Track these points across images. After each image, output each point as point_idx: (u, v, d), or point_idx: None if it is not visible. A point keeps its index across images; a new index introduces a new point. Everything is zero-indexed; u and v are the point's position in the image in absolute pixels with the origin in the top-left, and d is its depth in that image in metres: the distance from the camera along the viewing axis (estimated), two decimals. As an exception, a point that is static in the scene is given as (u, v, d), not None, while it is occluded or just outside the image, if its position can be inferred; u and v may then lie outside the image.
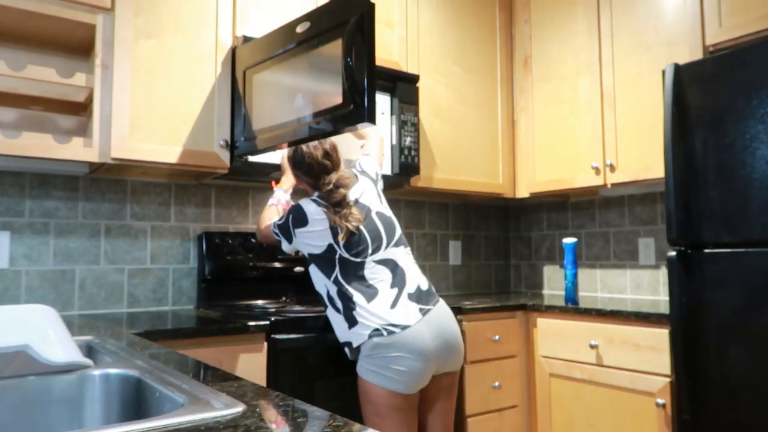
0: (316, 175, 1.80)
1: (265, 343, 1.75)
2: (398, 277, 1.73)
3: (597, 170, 2.54)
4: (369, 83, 1.53)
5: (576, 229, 3.03)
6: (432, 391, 1.75)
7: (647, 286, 2.70)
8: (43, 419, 0.99)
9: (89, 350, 1.29)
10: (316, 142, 1.79)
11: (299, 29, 1.76)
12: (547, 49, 2.82)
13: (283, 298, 2.37)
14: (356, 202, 1.80)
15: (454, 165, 2.70)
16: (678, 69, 1.94)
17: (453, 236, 3.11)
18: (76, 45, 2.00)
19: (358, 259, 1.72)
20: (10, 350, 0.97)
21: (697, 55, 2.19)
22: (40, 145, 1.73)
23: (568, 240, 2.66)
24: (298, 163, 1.82)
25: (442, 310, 1.75)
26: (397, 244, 1.80)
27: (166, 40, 1.96)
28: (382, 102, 2.38)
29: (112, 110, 1.84)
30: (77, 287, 2.05)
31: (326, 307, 1.76)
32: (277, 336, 1.75)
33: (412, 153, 2.40)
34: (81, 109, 2.05)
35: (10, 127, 1.93)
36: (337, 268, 1.72)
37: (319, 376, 1.81)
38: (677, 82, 1.93)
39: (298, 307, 2.08)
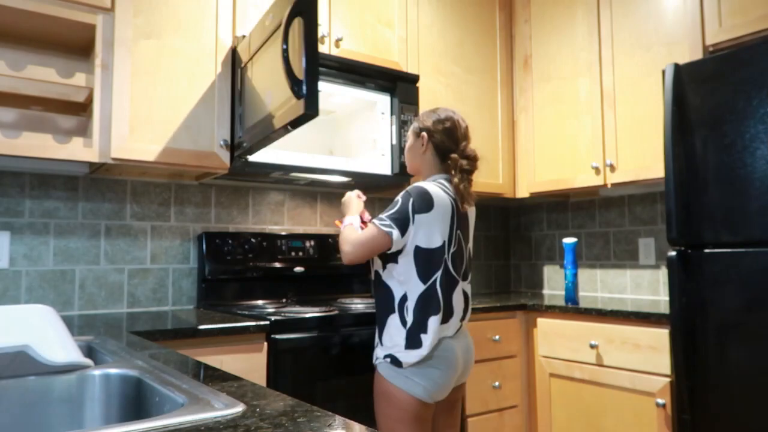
0: (457, 140, 1.71)
1: (265, 343, 1.75)
2: (466, 313, 1.73)
3: (597, 170, 2.54)
4: (309, 70, 1.42)
5: (576, 229, 3.03)
6: (446, 402, 1.74)
7: (647, 286, 2.70)
8: (43, 419, 0.99)
9: (89, 350, 1.29)
10: (458, 114, 1.75)
11: (267, 22, 1.74)
12: (547, 50, 2.82)
13: (284, 300, 2.37)
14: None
15: (454, 165, 2.70)
16: (678, 69, 1.94)
17: (453, 236, 3.11)
18: (76, 45, 2.00)
19: (456, 277, 1.67)
20: (10, 350, 0.97)
21: (697, 55, 2.19)
22: (40, 145, 1.73)
23: (568, 240, 2.66)
24: (440, 121, 1.71)
25: (466, 330, 1.78)
26: (469, 280, 1.78)
27: (166, 40, 1.96)
28: (382, 102, 2.38)
29: (112, 110, 1.84)
30: (77, 287, 2.05)
31: (388, 312, 1.64)
32: (277, 336, 1.75)
33: (412, 153, 2.39)
34: (81, 109, 2.05)
35: (10, 127, 1.93)
36: (441, 271, 1.61)
37: (319, 376, 1.81)
38: (677, 82, 1.93)
39: (298, 307, 2.08)
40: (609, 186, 2.52)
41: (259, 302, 2.29)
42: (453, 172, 1.69)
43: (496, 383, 2.32)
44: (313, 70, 1.45)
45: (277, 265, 2.35)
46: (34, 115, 1.98)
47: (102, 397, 1.02)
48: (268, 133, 1.70)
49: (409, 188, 1.64)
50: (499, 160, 2.89)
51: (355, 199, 1.93)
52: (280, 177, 2.22)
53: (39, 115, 1.98)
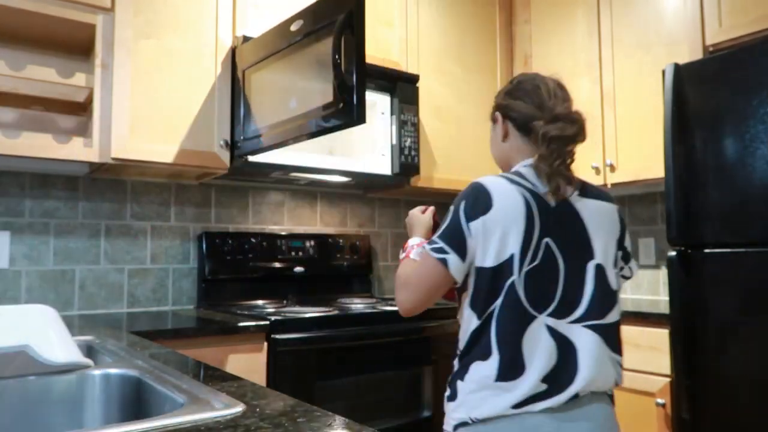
0: (541, 100, 1.19)
1: (265, 343, 1.75)
2: (566, 372, 1.08)
3: (597, 170, 2.54)
4: (358, 81, 1.51)
5: (576, 229, 3.02)
6: None
7: (647, 286, 2.70)
8: (43, 419, 0.99)
9: (89, 350, 1.29)
10: (567, 94, 1.22)
11: (293, 28, 1.76)
12: (547, 50, 2.82)
13: (284, 300, 2.37)
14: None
15: (454, 165, 2.70)
16: (678, 69, 1.94)
17: (453, 236, 3.11)
18: (76, 45, 2.00)
19: (531, 310, 1.08)
20: (10, 350, 0.97)
21: (697, 55, 2.19)
22: (40, 145, 1.73)
23: (568, 240, 2.66)
24: (516, 88, 1.24)
25: (602, 414, 1.15)
26: (605, 326, 1.13)
27: (166, 40, 1.96)
28: (382, 102, 2.38)
29: (112, 110, 1.84)
30: (77, 287, 2.05)
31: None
32: (277, 336, 1.75)
33: (412, 153, 2.39)
34: (81, 109, 2.05)
35: (10, 127, 1.93)
36: (500, 302, 1.08)
37: (319, 376, 1.81)
38: (677, 82, 1.93)
39: (298, 308, 2.08)
40: (609, 186, 2.51)
41: (259, 302, 2.29)
42: (534, 170, 1.16)
43: (496, 383, 2.31)
44: (363, 81, 1.51)
45: (277, 265, 2.35)
46: (34, 115, 1.98)
47: (102, 397, 1.02)
48: (295, 136, 1.73)
49: (463, 189, 1.19)
50: (499, 160, 2.89)
51: (419, 216, 1.43)
52: (280, 177, 2.22)
53: (39, 115, 1.98)
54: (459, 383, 1.12)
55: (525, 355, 1.07)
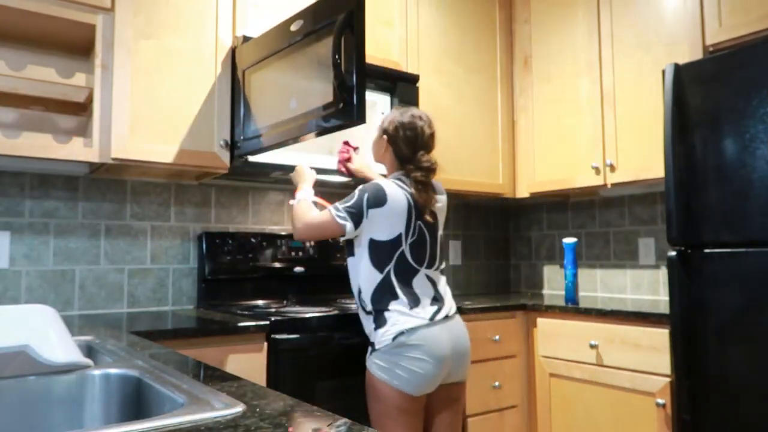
0: (415, 149, 1.75)
1: (265, 343, 1.75)
2: (439, 298, 1.75)
3: (597, 170, 2.54)
4: (358, 81, 1.51)
5: (576, 229, 3.03)
6: (440, 400, 1.75)
7: (647, 286, 2.70)
8: (43, 419, 0.99)
9: (89, 350, 1.29)
10: (426, 119, 1.78)
11: (293, 28, 1.76)
12: (547, 49, 2.82)
13: (284, 300, 2.37)
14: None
15: (454, 165, 2.70)
16: (678, 69, 1.94)
17: (453, 236, 3.11)
18: (76, 45, 2.00)
19: (415, 266, 1.72)
20: (10, 350, 0.97)
21: (697, 55, 2.19)
22: (40, 145, 1.73)
23: (568, 240, 2.66)
24: (401, 136, 1.76)
25: (460, 323, 1.78)
26: (442, 270, 1.83)
27: (166, 40, 1.96)
28: (382, 102, 2.38)
29: (112, 110, 1.84)
30: (77, 287, 2.05)
31: (357, 303, 1.77)
32: (277, 336, 1.75)
33: (412, 153, 2.39)
34: (81, 109, 2.05)
35: (10, 127, 1.93)
36: (393, 263, 1.69)
37: (319, 376, 1.81)
38: (677, 82, 1.93)
39: (298, 308, 2.08)
40: (609, 186, 2.52)
41: (259, 302, 2.29)
42: (409, 181, 1.75)
43: (496, 383, 2.32)
44: (363, 81, 1.52)
45: (277, 265, 2.35)
46: (34, 115, 1.98)
47: (102, 397, 1.02)
48: (295, 136, 1.73)
49: (366, 185, 1.73)
50: (499, 160, 2.89)
51: (307, 170, 1.96)
52: (280, 177, 2.22)
53: (39, 115, 1.98)
54: (386, 313, 1.66)
55: (418, 293, 1.71)
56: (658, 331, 2.00)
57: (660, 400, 1.96)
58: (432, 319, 1.68)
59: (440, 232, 1.85)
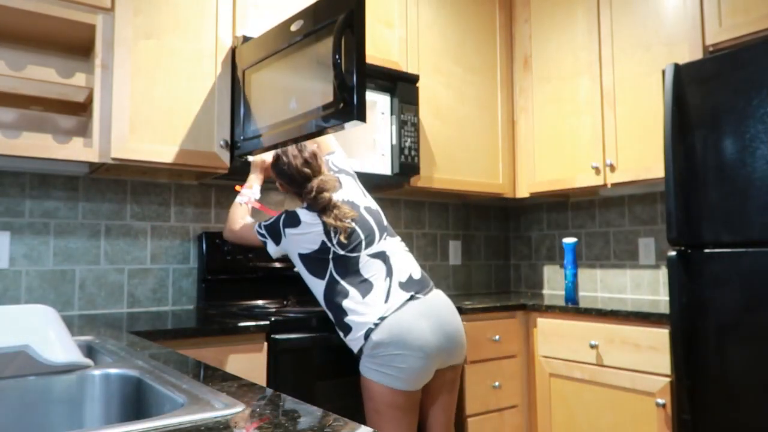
0: (299, 184, 1.81)
1: (265, 343, 1.75)
2: (389, 268, 1.74)
3: (597, 170, 2.54)
4: (359, 81, 1.51)
5: (576, 229, 3.03)
6: (435, 385, 1.75)
7: (647, 286, 2.70)
8: (43, 419, 0.99)
9: (89, 350, 1.29)
10: (296, 151, 1.81)
11: (293, 28, 1.76)
12: (547, 49, 2.82)
13: (284, 301, 2.37)
14: (344, 201, 1.81)
15: (454, 165, 2.70)
16: (678, 69, 1.94)
17: (453, 236, 3.11)
18: (76, 45, 2.00)
19: (353, 254, 1.73)
20: (10, 350, 0.97)
21: (697, 55, 2.19)
22: (40, 145, 1.73)
23: (568, 240, 2.66)
24: (280, 172, 1.84)
25: (438, 300, 1.74)
26: (388, 236, 1.82)
27: (166, 40, 1.96)
28: (382, 102, 2.38)
29: (112, 110, 1.84)
30: (77, 287, 2.05)
31: (324, 307, 1.77)
32: (277, 336, 1.75)
33: (412, 153, 2.39)
34: (81, 109, 2.05)
35: (10, 127, 1.93)
36: (331, 266, 1.72)
37: (319, 376, 1.81)
38: (677, 82, 1.93)
39: (298, 308, 2.08)
40: (609, 186, 2.52)
41: (260, 302, 2.29)
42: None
43: (496, 383, 2.32)
44: (363, 81, 1.52)
45: (277, 265, 2.35)
46: (34, 115, 1.98)
47: (102, 397, 1.02)
48: (295, 136, 1.73)
49: (285, 210, 1.82)
50: (499, 160, 2.89)
51: (260, 165, 1.98)
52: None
53: (39, 115, 1.98)
54: (345, 318, 1.67)
55: (368, 277, 1.71)
56: (658, 331, 2.00)
57: (660, 400, 1.96)
58: (399, 306, 1.65)
59: (365, 200, 1.86)
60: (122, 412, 1.00)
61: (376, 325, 1.63)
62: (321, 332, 1.83)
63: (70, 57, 2.04)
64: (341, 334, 1.72)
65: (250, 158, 1.99)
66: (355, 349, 1.68)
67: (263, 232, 1.81)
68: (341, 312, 1.69)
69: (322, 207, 1.75)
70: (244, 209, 1.93)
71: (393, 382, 1.61)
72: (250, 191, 1.94)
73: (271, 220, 1.81)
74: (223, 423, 0.69)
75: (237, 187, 1.99)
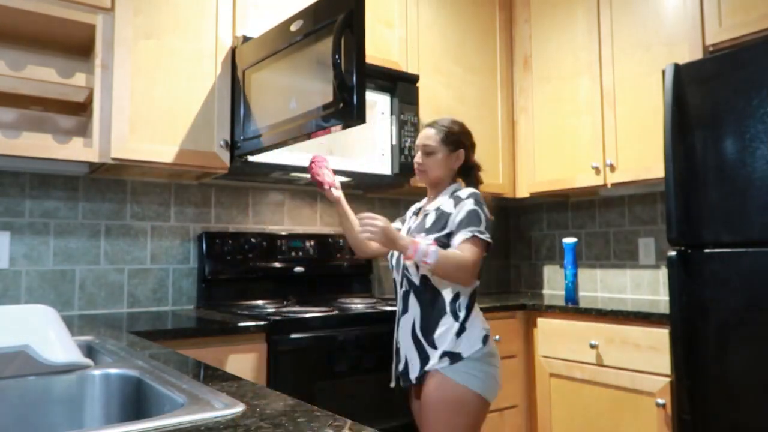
0: (473, 153, 1.84)
1: (265, 343, 1.75)
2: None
3: (597, 170, 2.54)
4: (358, 81, 1.51)
5: (576, 229, 3.03)
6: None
7: (647, 286, 2.70)
8: (43, 419, 0.99)
9: (89, 350, 1.29)
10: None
11: (293, 28, 1.76)
12: (547, 49, 2.82)
13: (284, 300, 2.37)
14: None
15: (454, 165, 2.70)
16: (678, 69, 1.94)
17: (453, 236, 3.11)
18: (76, 45, 2.00)
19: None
20: (10, 350, 0.97)
21: (697, 55, 2.19)
22: (40, 145, 1.73)
23: (568, 240, 2.66)
24: (470, 135, 1.84)
25: None
26: None
27: (166, 40, 1.96)
28: (382, 102, 2.38)
29: (112, 110, 1.84)
30: (77, 287, 2.05)
31: (440, 314, 1.64)
32: (277, 336, 1.75)
33: (412, 153, 2.39)
34: (81, 109, 2.05)
35: (10, 127, 1.93)
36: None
37: (319, 376, 1.81)
38: (677, 82, 1.93)
39: (298, 308, 2.08)
40: (609, 186, 2.51)
41: (259, 302, 2.29)
42: (476, 182, 1.83)
43: (496, 383, 2.31)
44: (363, 81, 1.52)
45: (277, 265, 2.35)
46: (34, 115, 1.97)
47: (102, 397, 1.02)
48: (295, 136, 1.73)
49: (470, 194, 1.69)
50: (499, 160, 2.89)
51: (390, 225, 1.63)
52: (280, 177, 2.22)
53: (39, 115, 1.98)
54: (472, 319, 1.65)
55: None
56: (658, 331, 2.00)
57: (660, 400, 1.96)
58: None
59: None
60: (122, 412, 1.00)
61: (487, 334, 1.65)
62: (321, 332, 1.83)
63: (70, 57, 2.04)
64: (448, 332, 1.60)
65: (384, 240, 1.60)
66: (464, 351, 1.58)
67: (483, 229, 1.63)
68: (471, 311, 1.68)
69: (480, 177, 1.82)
70: (444, 252, 1.59)
71: (493, 395, 1.58)
72: (423, 244, 1.60)
73: (481, 215, 1.64)
74: (223, 423, 0.69)
75: (426, 261, 1.58)
